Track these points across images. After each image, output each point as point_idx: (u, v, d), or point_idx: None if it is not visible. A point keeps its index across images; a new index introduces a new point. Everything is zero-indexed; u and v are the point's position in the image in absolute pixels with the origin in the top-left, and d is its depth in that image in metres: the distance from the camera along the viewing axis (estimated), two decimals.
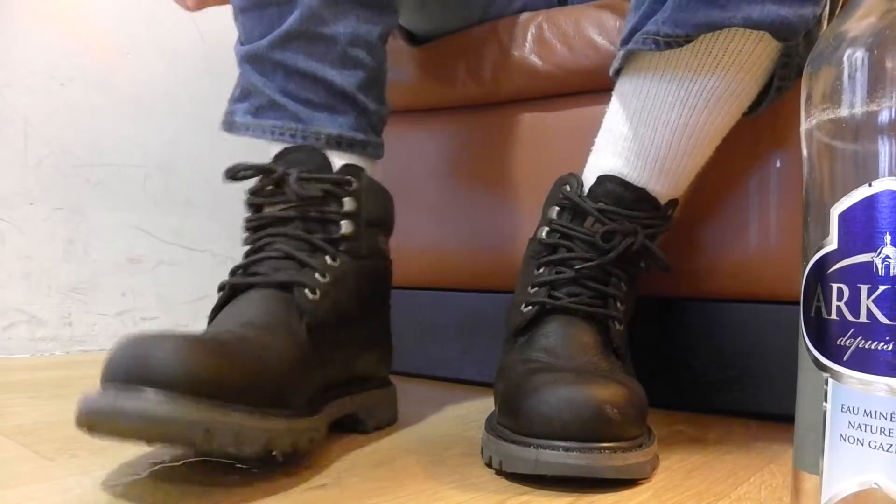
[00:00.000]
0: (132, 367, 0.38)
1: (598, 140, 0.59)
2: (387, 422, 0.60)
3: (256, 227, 0.53)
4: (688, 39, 0.51)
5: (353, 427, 0.56)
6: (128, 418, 0.36)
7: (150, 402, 0.36)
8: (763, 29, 0.50)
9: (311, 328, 0.49)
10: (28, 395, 0.72)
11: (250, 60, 0.54)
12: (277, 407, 0.42)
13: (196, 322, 1.24)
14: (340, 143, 0.54)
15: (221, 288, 0.51)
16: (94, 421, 0.37)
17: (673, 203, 0.58)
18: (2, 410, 0.64)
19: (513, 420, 0.46)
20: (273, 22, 0.53)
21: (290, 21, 0.52)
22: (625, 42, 0.55)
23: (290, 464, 0.45)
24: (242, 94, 0.56)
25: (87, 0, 1.10)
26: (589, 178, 0.57)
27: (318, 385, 0.50)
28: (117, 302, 1.15)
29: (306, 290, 0.49)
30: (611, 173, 0.56)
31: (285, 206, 0.52)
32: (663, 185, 0.56)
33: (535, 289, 0.56)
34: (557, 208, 0.57)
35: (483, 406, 0.68)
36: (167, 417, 0.36)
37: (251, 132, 0.55)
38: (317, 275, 0.50)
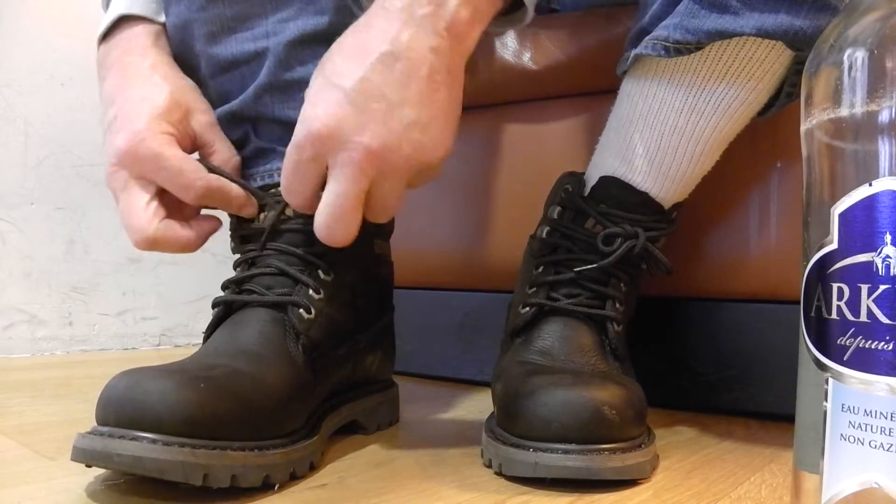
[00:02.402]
0: (126, 410, 0.38)
1: (602, 139, 0.58)
2: (388, 423, 0.60)
3: (246, 237, 0.53)
4: (698, 47, 0.50)
5: (354, 429, 0.56)
6: (123, 463, 0.37)
7: (145, 448, 0.37)
8: (776, 38, 0.49)
9: (308, 349, 0.48)
10: (28, 395, 0.72)
11: (229, 120, 0.53)
12: (274, 437, 0.43)
13: (196, 322, 1.24)
14: None
15: (216, 305, 0.51)
16: (89, 462, 0.38)
17: (677, 207, 0.58)
18: (2, 410, 0.64)
19: (512, 423, 0.46)
20: (245, 80, 0.52)
21: (261, 75, 0.52)
22: (633, 43, 0.54)
23: None
24: None
25: (87, 0, 1.10)
26: (591, 178, 0.57)
27: (317, 402, 0.49)
28: (118, 302, 1.15)
29: (301, 310, 0.49)
30: (614, 175, 0.55)
31: (277, 218, 0.51)
32: (667, 191, 0.55)
33: (534, 289, 0.56)
34: (559, 208, 0.57)
35: (483, 406, 0.68)
36: (163, 462, 0.37)
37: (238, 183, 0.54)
38: (311, 291, 0.50)
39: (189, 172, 0.49)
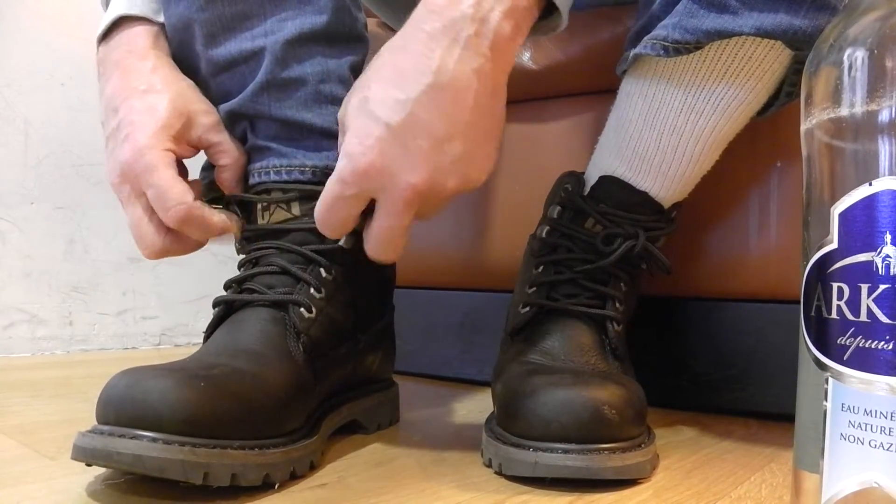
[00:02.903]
0: (126, 409, 0.38)
1: (601, 138, 0.58)
2: (388, 423, 0.60)
3: (249, 237, 0.53)
4: (697, 46, 0.50)
5: (354, 429, 0.57)
6: (123, 462, 0.37)
7: (146, 446, 0.37)
8: (775, 38, 0.49)
9: (308, 348, 0.48)
10: (28, 395, 0.72)
11: (228, 118, 0.53)
12: (275, 437, 0.43)
13: (196, 321, 1.24)
14: (327, 174, 0.53)
15: (216, 304, 0.51)
16: (89, 461, 0.38)
17: (677, 207, 0.58)
18: (2, 410, 0.64)
19: (511, 422, 0.46)
20: (244, 79, 0.52)
21: (259, 74, 0.51)
22: (632, 43, 0.54)
23: None
24: None
25: (87, 0, 1.10)
26: (591, 177, 0.57)
27: (317, 401, 0.49)
28: (118, 301, 1.15)
29: (302, 310, 0.49)
30: (613, 174, 0.55)
31: (281, 218, 0.51)
32: (667, 190, 0.55)
33: (534, 289, 0.56)
34: (559, 207, 0.57)
35: (483, 405, 0.68)
36: (163, 461, 0.37)
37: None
38: (312, 290, 0.50)
39: (171, 198, 0.48)
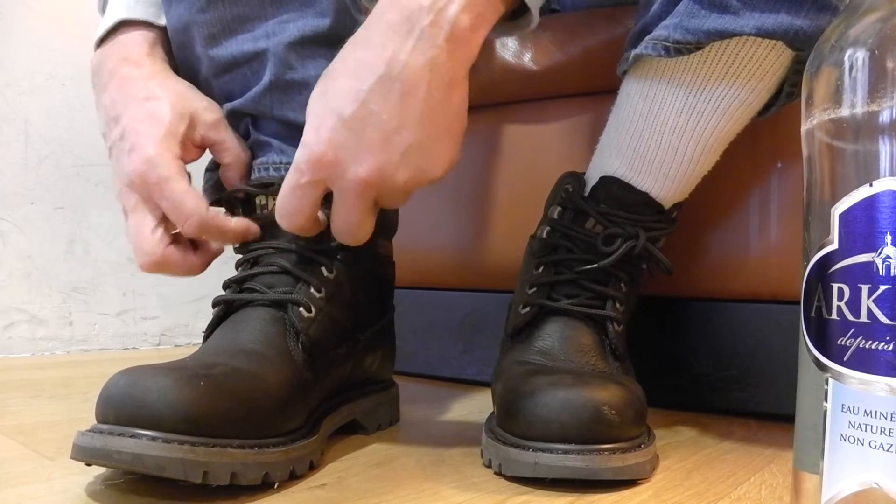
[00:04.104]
0: (126, 408, 0.38)
1: (602, 138, 0.58)
2: (388, 423, 0.60)
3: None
4: (698, 47, 0.50)
5: (354, 429, 0.56)
6: (123, 461, 0.37)
7: (145, 445, 0.37)
8: (776, 38, 0.49)
9: (308, 348, 0.48)
10: (28, 395, 0.72)
11: (232, 115, 0.53)
12: (274, 436, 0.43)
13: (196, 321, 1.24)
14: None
15: (216, 304, 0.51)
16: (89, 460, 0.38)
17: (677, 207, 0.58)
18: (2, 410, 0.64)
19: (511, 423, 0.46)
20: (247, 81, 0.52)
21: (263, 76, 0.52)
22: (633, 43, 0.54)
23: None
24: None
25: (87, 0, 1.10)
26: (592, 177, 0.57)
27: (317, 401, 0.49)
28: (118, 301, 1.15)
29: (301, 309, 0.49)
30: (614, 175, 0.55)
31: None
32: (668, 190, 0.55)
33: (534, 289, 0.56)
34: (559, 208, 0.57)
35: (483, 406, 0.68)
36: (163, 460, 0.37)
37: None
38: (312, 289, 0.50)
39: (187, 207, 0.49)
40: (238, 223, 0.51)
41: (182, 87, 0.53)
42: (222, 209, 0.53)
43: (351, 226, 0.46)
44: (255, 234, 0.52)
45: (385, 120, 0.42)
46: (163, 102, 0.51)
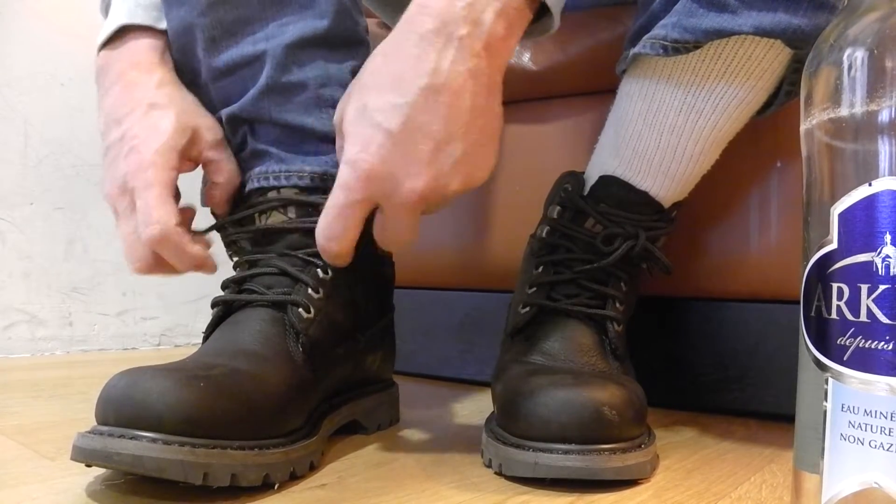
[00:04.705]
0: (126, 409, 0.38)
1: (601, 138, 0.58)
2: (388, 423, 0.60)
3: (245, 241, 0.53)
4: (696, 46, 0.50)
5: (354, 429, 0.56)
6: (123, 462, 0.37)
7: (145, 447, 0.37)
8: (774, 37, 0.49)
9: (308, 348, 0.48)
10: (28, 395, 0.72)
11: (229, 122, 0.53)
12: (275, 437, 0.43)
13: (196, 322, 1.24)
14: (325, 180, 0.52)
15: (215, 304, 0.51)
16: (89, 461, 0.38)
17: (677, 206, 0.58)
18: (2, 410, 0.64)
19: (511, 423, 0.46)
20: (245, 83, 0.52)
21: (260, 78, 0.51)
22: (632, 42, 0.54)
23: None
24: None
25: (87, 0, 1.10)
26: (591, 177, 0.57)
27: (317, 401, 0.49)
28: (118, 301, 1.15)
29: (300, 310, 0.49)
30: (613, 174, 0.55)
31: (278, 221, 0.51)
32: (667, 190, 0.55)
33: (534, 289, 0.56)
34: (559, 207, 0.57)
35: (483, 406, 0.68)
36: (163, 461, 0.37)
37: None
38: (310, 290, 0.50)
39: (153, 215, 0.47)
40: (196, 251, 0.50)
41: (189, 100, 0.53)
42: (187, 234, 0.50)
43: (401, 236, 0.46)
44: (208, 270, 0.51)
45: (435, 131, 0.42)
46: (168, 113, 0.51)
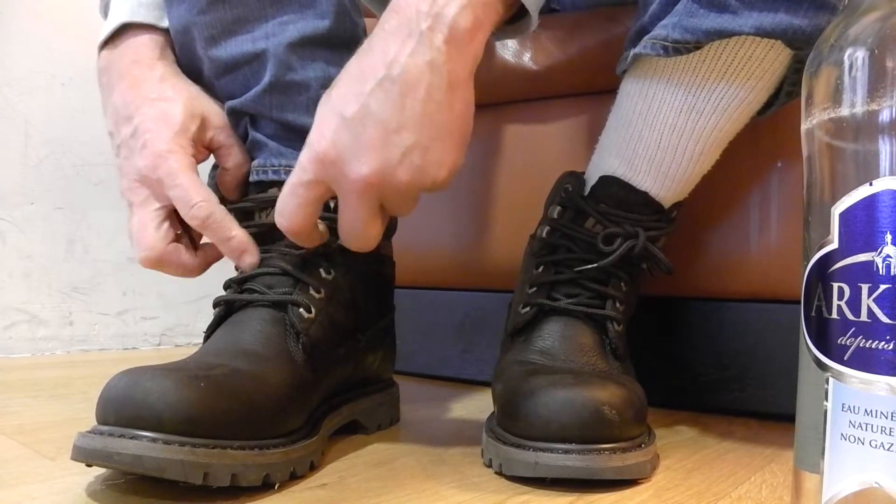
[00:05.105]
0: (126, 409, 0.38)
1: (601, 138, 0.58)
2: (388, 423, 0.60)
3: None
4: (697, 46, 0.50)
5: (354, 429, 0.56)
6: (123, 462, 0.37)
7: (145, 446, 0.37)
8: (775, 37, 0.49)
9: (308, 348, 0.48)
10: (29, 395, 0.72)
11: (231, 114, 0.54)
12: (275, 437, 0.43)
13: (196, 321, 1.24)
14: None
15: (217, 304, 0.51)
16: (89, 461, 0.38)
17: (677, 206, 0.58)
18: (2, 410, 0.64)
19: (512, 423, 0.46)
20: (247, 81, 0.53)
21: (263, 76, 0.52)
22: (632, 43, 0.54)
23: None
24: None
25: (87, 0, 1.10)
26: (592, 177, 0.57)
27: (317, 401, 0.49)
28: (118, 301, 1.15)
29: (301, 310, 0.49)
30: (613, 174, 0.55)
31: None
32: (667, 190, 0.55)
33: (534, 289, 0.56)
34: (559, 207, 0.57)
35: (483, 406, 0.68)
36: (163, 461, 0.37)
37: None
38: (311, 290, 0.50)
39: (196, 195, 0.49)
40: (242, 234, 0.50)
41: (194, 89, 0.54)
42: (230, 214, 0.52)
43: (357, 229, 0.46)
44: (251, 262, 0.50)
45: (385, 119, 0.43)
46: (175, 103, 0.51)
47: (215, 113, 0.54)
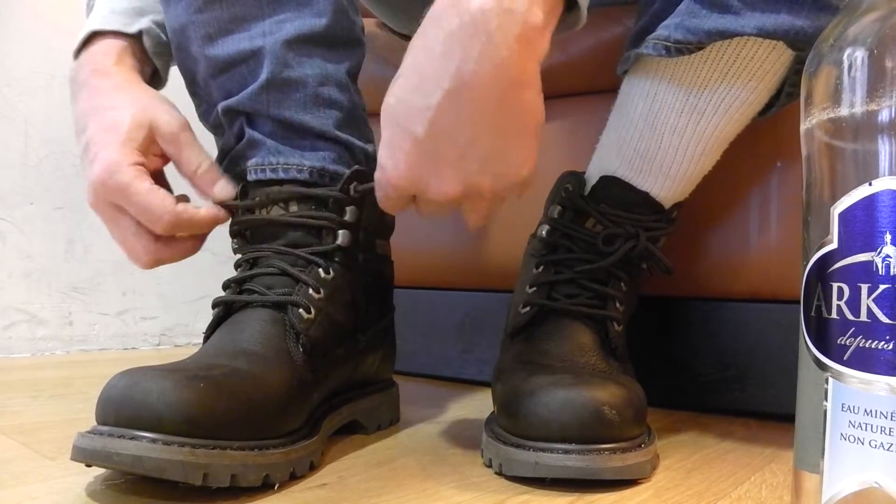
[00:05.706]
0: (126, 409, 0.38)
1: (602, 138, 0.58)
2: (388, 423, 0.60)
3: (245, 234, 0.53)
4: (699, 47, 0.50)
5: (354, 429, 0.56)
6: (123, 462, 0.37)
7: (145, 447, 0.37)
8: (777, 38, 0.49)
9: (308, 349, 0.48)
10: (28, 395, 0.72)
11: (227, 113, 0.53)
12: (275, 437, 0.43)
13: (196, 321, 1.24)
14: (324, 176, 0.52)
15: (216, 305, 0.51)
16: (89, 461, 0.38)
17: (677, 207, 0.57)
18: (2, 410, 0.64)
19: (512, 423, 0.46)
20: (244, 79, 0.52)
21: (260, 74, 0.52)
22: (634, 43, 0.54)
23: None
24: (222, 151, 0.55)
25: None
26: (592, 177, 0.57)
27: (317, 402, 0.49)
28: (118, 301, 1.15)
29: (300, 310, 0.49)
30: (614, 174, 0.55)
31: (282, 214, 0.51)
32: (668, 190, 0.55)
33: (534, 289, 0.56)
34: (559, 207, 0.57)
35: (483, 406, 0.68)
36: (163, 461, 0.37)
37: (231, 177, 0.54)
38: (311, 290, 0.50)
39: (155, 208, 0.49)
40: (206, 213, 0.52)
41: (147, 96, 0.54)
42: (190, 202, 0.53)
43: (441, 216, 0.48)
44: (223, 220, 0.53)
45: (459, 134, 0.42)
46: (124, 112, 0.51)
47: (165, 122, 0.52)
